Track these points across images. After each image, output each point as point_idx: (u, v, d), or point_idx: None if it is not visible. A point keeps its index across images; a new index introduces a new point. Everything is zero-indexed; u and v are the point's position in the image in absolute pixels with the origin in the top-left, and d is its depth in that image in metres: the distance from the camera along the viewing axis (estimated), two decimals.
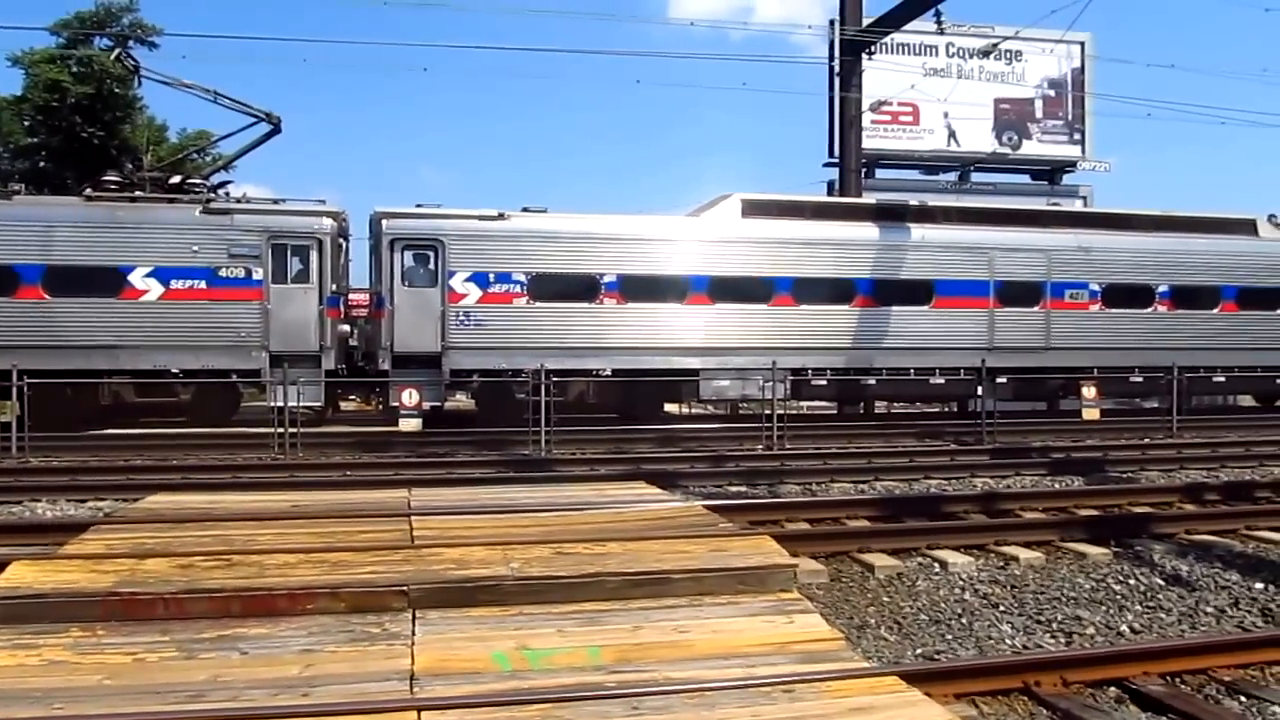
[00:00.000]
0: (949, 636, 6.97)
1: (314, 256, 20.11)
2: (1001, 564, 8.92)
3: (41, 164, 37.89)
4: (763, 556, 6.91)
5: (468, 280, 20.66)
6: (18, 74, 37.29)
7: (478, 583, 6.26)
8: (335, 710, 4.47)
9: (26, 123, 37.79)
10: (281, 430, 16.94)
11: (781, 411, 18.84)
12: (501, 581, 6.30)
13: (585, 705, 4.51)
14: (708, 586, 6.36)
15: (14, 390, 16.90)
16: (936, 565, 8.82)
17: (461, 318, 20.63)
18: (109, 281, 19.41)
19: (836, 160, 29.60)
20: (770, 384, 19.17)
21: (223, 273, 19.65)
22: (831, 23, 29.93)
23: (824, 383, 22.74)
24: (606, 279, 21.27)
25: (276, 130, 21.76)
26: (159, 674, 5.01)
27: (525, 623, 5.77)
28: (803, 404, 25.26)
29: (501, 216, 21.13)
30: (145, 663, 5.17)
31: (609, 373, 21.41)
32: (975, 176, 37.82)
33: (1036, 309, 23.49)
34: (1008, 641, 6.88)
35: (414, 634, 5.54)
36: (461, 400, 24.56)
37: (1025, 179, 38.80)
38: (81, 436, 18.37)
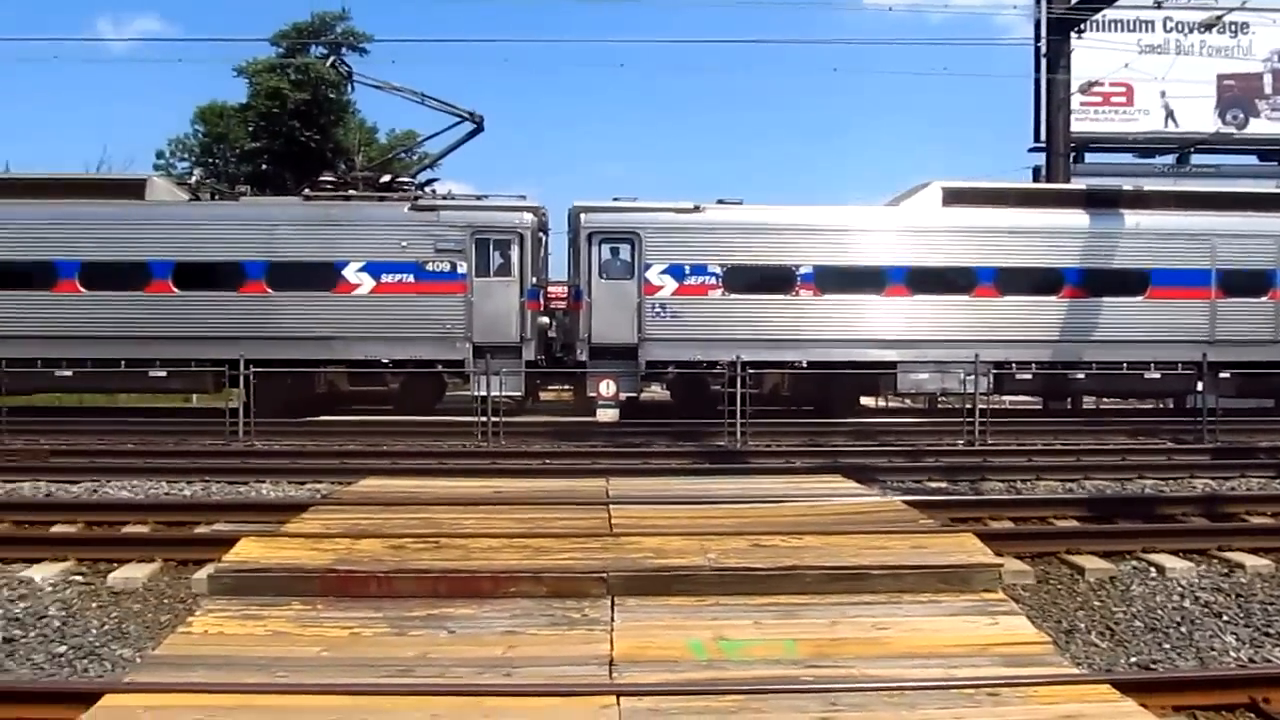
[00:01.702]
0: (1166, 645, 6.61)
1: (515, 250, 20.64)
2: (1225, 571, 8.38)
3: (264, 166, 40.46)
4: (965, 555, 6.71)
5: (663, 272, 20.82)
6: (242, 84, 39.91)
7: (675, 572, 6.31)
8: (537, 690, 4.59)
9: (250, 128, 40.43)
10: (484, 419, 17.48)
11: (983, 406, 18.24)
12: (698, 571, 6.34)
13: (781, 699, 4.48)
14: (907, 584, 6.23)
15: (241, 379, 18.05)
16: (1152, 570, 8.36)
17: (657, 310, 20.80)
18: (325, 276, 20.44)
19: (1043, 145, 28.35)
20: (972, 377, 18.57)
21: (429, 267, 20.40)
22: (1038, 1, 28.72)
23: (1028, 377, 21.85)
24: (802, 270, 21.04)
25: (479, 129, 22.44)
26: (371, 648, 5.26)
27: (721, 613, 5.79)
28: (1005, 398, 24.36)
29: (697, 209, 21.19)
30: (360, 637, 5.43)
31: (804, 365, 21.19)
32: (1195, 159, 35.56)
33: (1265, 299, 21.93)
34: (1232, 654, 6.47)
35: (613, 620, 5.63)
36: (656, 391, 24.78)
37: (1252, 160, 36.26)
38: (300, 422, 19.47)
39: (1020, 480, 13.26)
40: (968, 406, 18.42)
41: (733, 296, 20.97)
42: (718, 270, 20.91)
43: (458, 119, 22.41)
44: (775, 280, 21.18)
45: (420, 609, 5.86)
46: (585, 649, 5.20)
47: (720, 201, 21.76)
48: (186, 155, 43.43)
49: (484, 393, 17.84)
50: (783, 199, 24.63)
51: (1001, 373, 21.40)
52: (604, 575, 6.21)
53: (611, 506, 8.68)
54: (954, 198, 21.96)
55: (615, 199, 21.67)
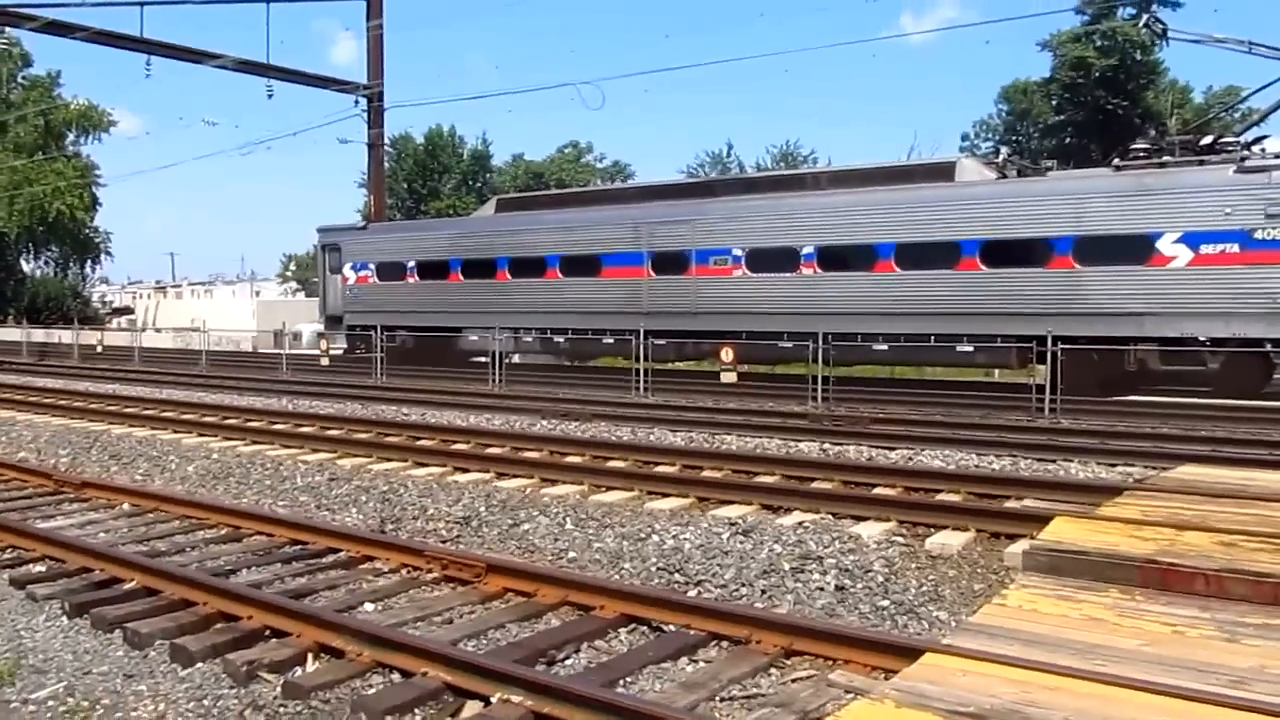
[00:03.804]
0: None
1: None
2: None
3: (1067, 139, 39.92)
4: None
5: None
6: (1045, 58, 39.83)
7: None
8: None
9: (1054, 102, 40.17)
10: None
11: None
12: None
13: None
14: None
15: (1049, 355, 17.97)
16: None
17: None
18: (1136, 249, 19.38)
19: None
20: None
21: (1258, 235, 18.31)
22: None
23: None
24: None
25: None
26: (1198, 651, 4.89)
27: None
28: None
29: None
30: (1184, 637, 5.08)
31: None
32: None
33: None
34: None
35: None
36: None
37: None
38: (1107, 401, 18.79)
39: None
40: None
41: None
42: None
43: None
44: None
45: (1255, 616, 5.30)
46: None
47: None
48: (990, 135, 44.53)
49: None
50: None
51: None
52: None
53: None
54: None
55: None
